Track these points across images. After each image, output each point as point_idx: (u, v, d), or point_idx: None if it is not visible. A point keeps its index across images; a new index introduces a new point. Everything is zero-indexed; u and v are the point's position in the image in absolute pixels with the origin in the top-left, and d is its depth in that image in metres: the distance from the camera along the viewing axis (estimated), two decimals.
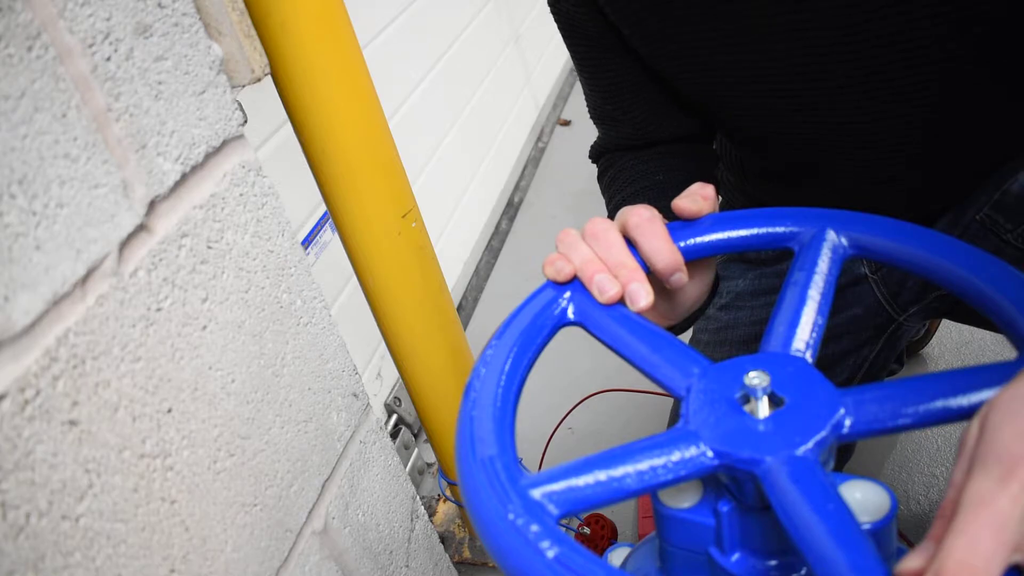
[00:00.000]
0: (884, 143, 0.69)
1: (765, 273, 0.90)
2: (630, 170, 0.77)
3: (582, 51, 0.77)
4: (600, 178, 0.83)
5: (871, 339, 0.84)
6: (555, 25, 0.80)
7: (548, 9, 0.80)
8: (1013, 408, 0.34)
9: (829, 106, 0.67)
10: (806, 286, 0.49)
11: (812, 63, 0.64)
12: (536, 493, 0.39)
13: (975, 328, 1.32)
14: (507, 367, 0.47)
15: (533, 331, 0.50)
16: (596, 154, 0.85)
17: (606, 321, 0.50)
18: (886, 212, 0.54)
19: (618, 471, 0.40)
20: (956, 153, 0.69)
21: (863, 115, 0.67)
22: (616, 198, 0.75)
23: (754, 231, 0.55)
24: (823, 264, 0.50)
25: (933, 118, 0.66)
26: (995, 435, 0.33)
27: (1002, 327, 0.44)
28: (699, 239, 0.55)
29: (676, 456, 0.40)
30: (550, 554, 0.36)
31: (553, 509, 0.38)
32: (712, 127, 0.81)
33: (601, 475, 0.39)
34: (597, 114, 0.82)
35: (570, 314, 0.52)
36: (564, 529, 0.39)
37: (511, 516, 0.38)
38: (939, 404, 0.39)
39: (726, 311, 0.92)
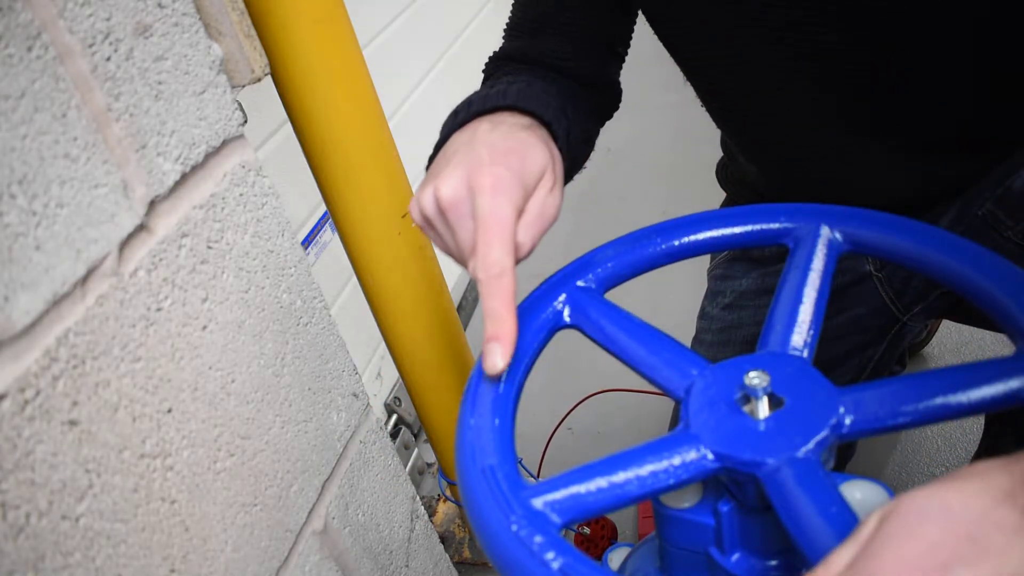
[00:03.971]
0: (863, 115, 0.68)
1: (769, 272, 0.89)
2: (511, 73, 0.67)
3: None
4: (483, 82, 0.72)
5: (875, 340, 0.84)
6: None
7: None
8: (909, 525, 0.30)
9: (805, 64, 0.66)
10: (802, 283, 0.49)
11: (794, 16, 0.63)
12: (538, 503, 0.39)
13: (975, 328, 1.32)
14: (504, 375, 0.47)
15: (529, 335, 0.50)
16: (490, 62, 0.74)
17: (602, 323, 0.50)
18: (874, 205, 0.53)
19: (619, 477, 0.39)
20: (937, 132, 0.68)
21: (839, 78, 0.66)
22: (478, 91, 0.63)
23: (748, 228, 0.55)
24: (818, 261, 0.50)
25: (913, 94, 0.65)
26: (880, 550, 0.30)
27: (998, 320, 0.44)
28: (693, 237, 0.55)
29: (677, 460, 0.40)
30: (555, 565, 0.36)
31: (556, 518, 0.38)
32: (614, 92, 0.76)
33: (603, 482, 0.39)
34: (521, 21, 0.72)
35: (566, 317, 0.52)
36: (564, 531, 0.39)
37: (514, 527, 0.38)
38: (939, 401, 0.39)
39: (730, 311, 0.92)
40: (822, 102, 0.68)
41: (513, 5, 0.74)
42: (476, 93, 0.59)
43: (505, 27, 0.74)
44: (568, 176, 0.63)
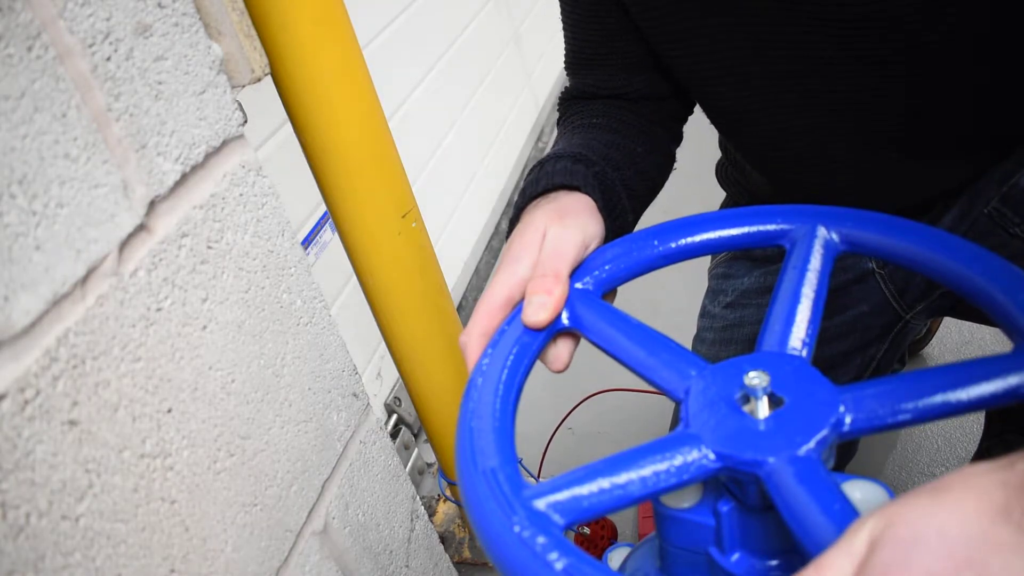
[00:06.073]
0: (866, 124, 0.68)
1: (770, 271, 0.89)
2: (580, 112, 0.77)
3: None
4: (558, 123, 0.83)
5: (878, 338, 0.84)
6: (555, 24, 0.80)
7: (547, 9, 0.80)
8: (905, 554, 0.28)
9: (807, 78, 0.66)
10: (799, 284, 0.49)
11: (794, 32, 0.63)
12: (540, 504, 0.39)
13: (976, 327, 1.32)
14: (504, 376, 0.47)
15: (528, 339, 0.50)
16: (561, 101, 0.84)
17: (601, 325, 0.50)
18: (878, 207, 0.53)
19: (621, 478, 0.39)
20: (939, 137, 0.68)
21: (841, 90, 0.66)
22: (556, 146, 0.73)
23: (744, 230, 0.55)
24: (815, 261, 0.50)
25: (914, 101, 0.65)
26: None
27: (996, 319, 0.44)
28: (689, 239, 0.55)
29: (679, 460, 0.40)
30: (559, 566, 0.36)
31: (558, 519, 0.38)
32: (681, 91, 0.80)
33: (604, 482, 0.39)
34: (575, 60, 0.81)
35: (564, 320, 0.52)
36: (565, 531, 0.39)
37: (517, 528, 0.37)
38: (939, 399, 0.39)
39: (732, 309, 0.92)
40: (832, 123, 0.69)
41: (564, 38, 0.81)
42: (540, 167, 0.64)
43: (564, 62, 0.83)
44: (642, 208, 0.72)
